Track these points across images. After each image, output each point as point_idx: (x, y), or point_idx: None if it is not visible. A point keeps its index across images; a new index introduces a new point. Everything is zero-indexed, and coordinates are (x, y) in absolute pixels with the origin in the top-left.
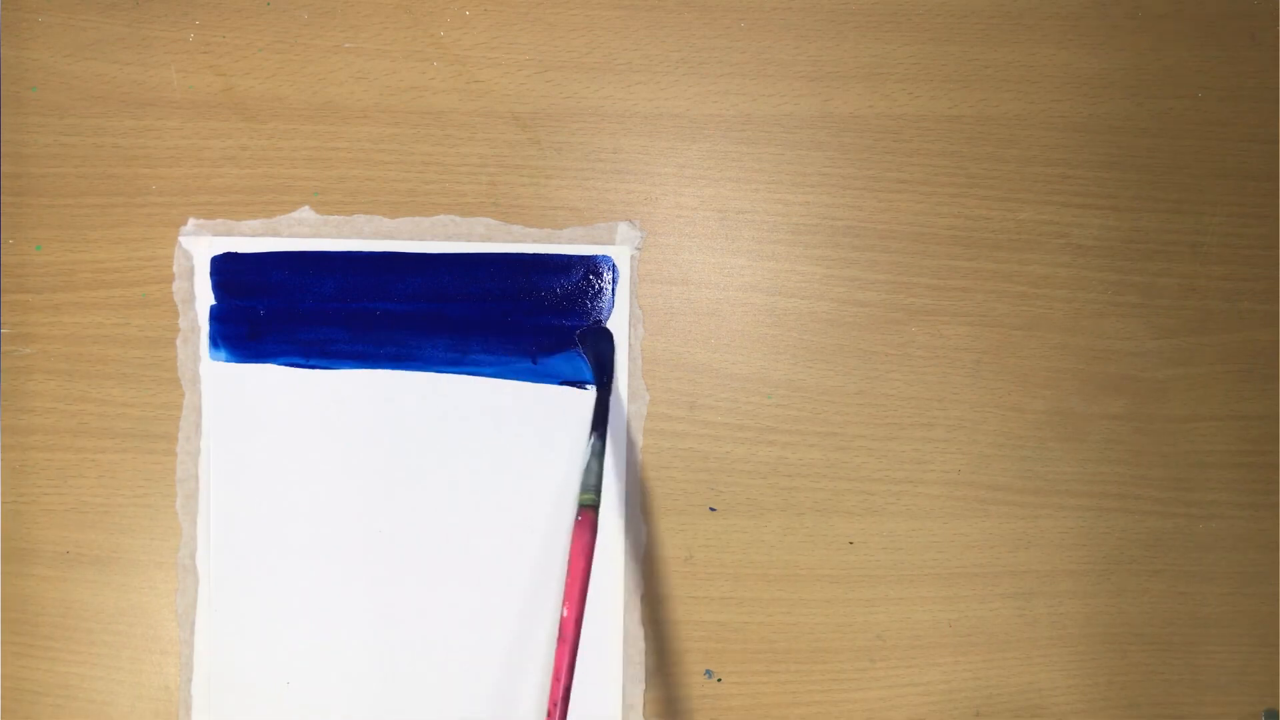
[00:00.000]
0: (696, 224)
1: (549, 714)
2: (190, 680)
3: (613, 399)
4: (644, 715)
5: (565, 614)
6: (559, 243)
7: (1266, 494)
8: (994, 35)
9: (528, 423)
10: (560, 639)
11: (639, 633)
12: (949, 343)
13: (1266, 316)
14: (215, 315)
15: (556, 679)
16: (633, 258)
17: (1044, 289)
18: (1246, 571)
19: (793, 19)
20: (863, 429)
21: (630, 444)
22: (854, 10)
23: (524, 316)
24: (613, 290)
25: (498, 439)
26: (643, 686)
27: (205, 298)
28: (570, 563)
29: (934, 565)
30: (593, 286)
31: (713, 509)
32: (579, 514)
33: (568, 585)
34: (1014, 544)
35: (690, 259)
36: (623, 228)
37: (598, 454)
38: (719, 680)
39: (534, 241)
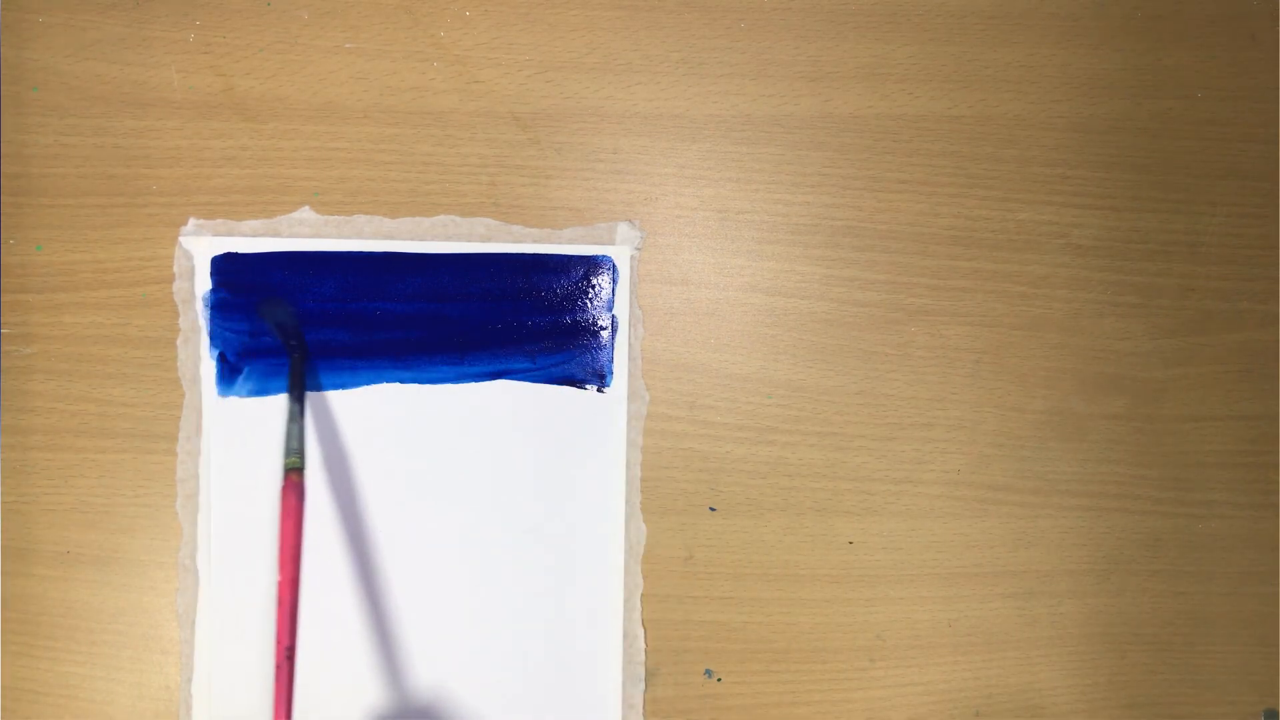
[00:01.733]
0: (696, 224)
1: (275, 678)
2: (190, 680)
3: (304, 365)
4: (644, 715)
5: (280, 578)
6: (559, 243)
7: (1266, 494)
8: (994, 35)
9: (528, 422)
10: (279, 604)
11: (639, 633)
12: (949, 343)
13: (1266, 316)
14: (215, 315)
15: (279, 642)
16: (633, 258)
17: (1044, 289)
18: (1246, 571)
19: (793, 19)
20: (863, 429)
21: (631, 444)
22: (854, 10)
23: (524, 316)
24: (613, 290)
25: (498, 439)
26: (643, 686)
27: (205, 298)
28: (281, 528)
29: (934, 565)
30: (593, 286)
31: (713, 509)
32: (285, 478)
33: (280, 551)
34: (1014, 544)
35: (690, 259)
36: (623, 228)
37: (295, 417)
38: (719, 680)
39: (534, 241)
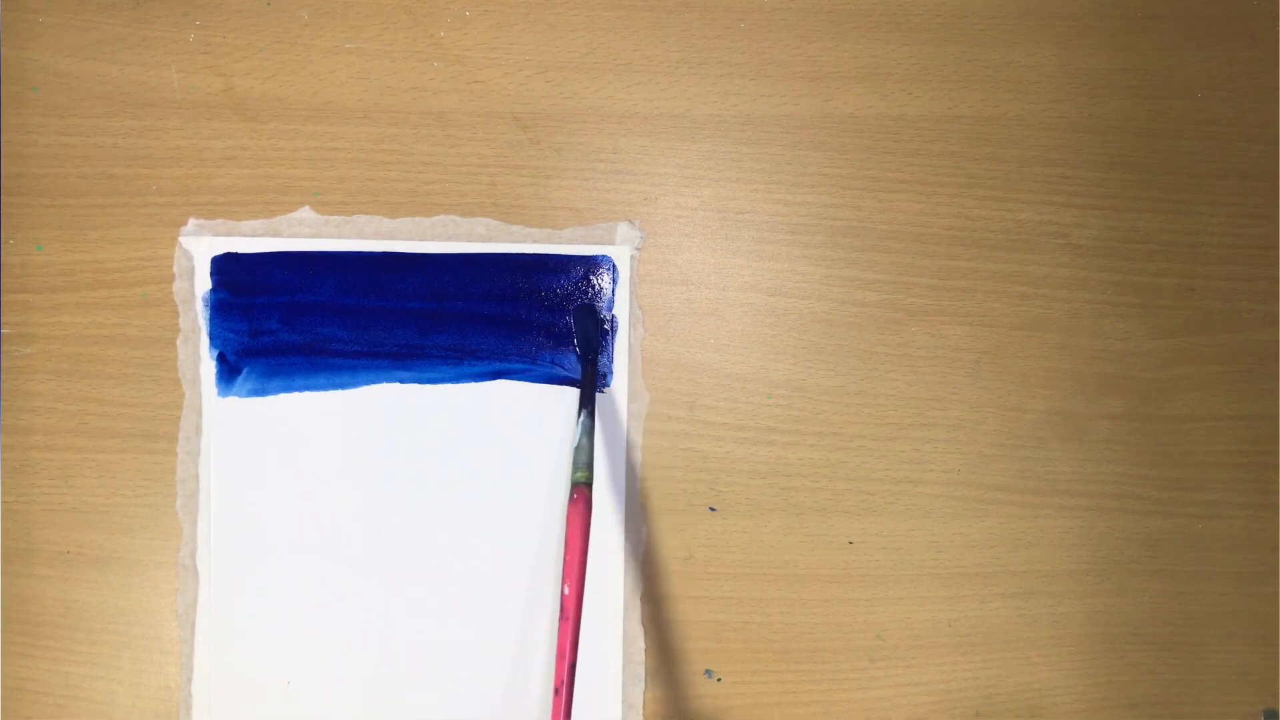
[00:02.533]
0: (696, 224)
1: (555, 692)
2: (190, 680)
3: (608, 390)
4: (644, 715)
5: (566, 592)
6: (559, 243)
7: (1266, 494)
8: (994, 35)
9: (528, 422)
10: (563, 617)
11: (639, 633)
12: (949, 343)
13: (1266, 316)
14: (215, 315)
15: (561, 658)
16: (633, 258)
17: (1043, 289)
18: (1246, 571)
19: (793, 19)
20: (863, 429)
21: (629, 439)
22: (854, 10)
23: (524, 316)
24: (613, 290)
25: (498, 438)
26: (643, 686)
27: (205, 298)
28: (568, 541)
29: (934, 565)
30: (593, 286)
31: (713, 509)
32: (573, 493)
33: (567, 563)
34: (1014, 544)
35: (690, 259)
36: (623, 228)
37: (588, 431)
38: (719, 680)
39: (534, 241)
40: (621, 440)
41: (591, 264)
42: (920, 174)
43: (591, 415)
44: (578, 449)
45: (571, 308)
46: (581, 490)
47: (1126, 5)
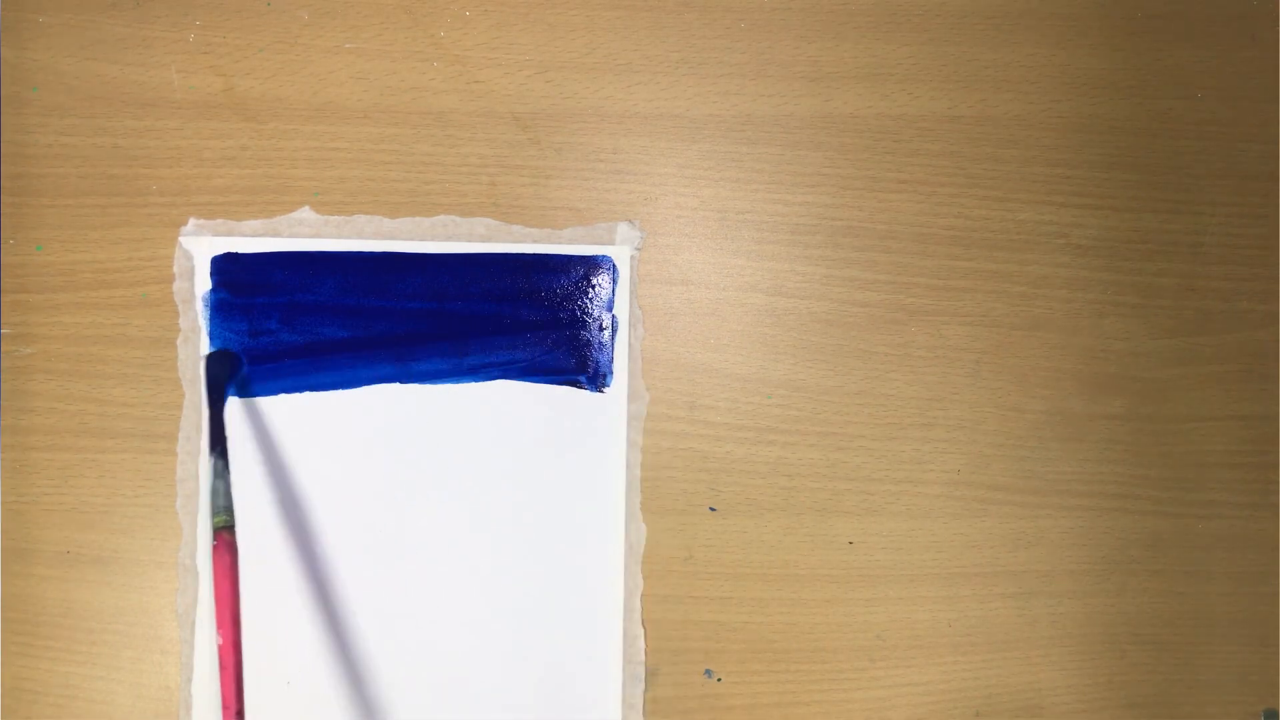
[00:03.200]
0: (696, 224)
1: None
2: (190, 680)
3: (226, 416)
4: (644, 715)
5: (220, 641)
6: (559, 243)
7: (1266, 494)
8: (994, 35)
9: (526, 423)
10: (221, 668)
11: (639, 633)
12: (949, 343)
13: (1266, 316)
14: (215, 315)
15: (226, 708)
16: (633, 258)
17: (1044, 289)
18: (1246, 571)
19: (793, 19)
20: (863, 429)
21: (629, 439)
22: (854, 10)
23: (524, 316)
24: (613, 290)
25: (497, 438)
26: (643, 686)
27: (205, 298)
28: (216, 589)
29: (934, 565)
30: (593, 286)
31: (713, 509)
32: (214, 538)
33: (218, 612)
34: (1014, 544)
35: (690, 259)
36: (623, 228)
37: (220, 474)
38: (719, 680)
39: (534, 241)
40: (621, 440)
41: (591, 264)
42: (920, 174)
43: (224, 456)
44: (213, 493)
45: (204, 354)
46: (222, 535)
47: (1126, 5)
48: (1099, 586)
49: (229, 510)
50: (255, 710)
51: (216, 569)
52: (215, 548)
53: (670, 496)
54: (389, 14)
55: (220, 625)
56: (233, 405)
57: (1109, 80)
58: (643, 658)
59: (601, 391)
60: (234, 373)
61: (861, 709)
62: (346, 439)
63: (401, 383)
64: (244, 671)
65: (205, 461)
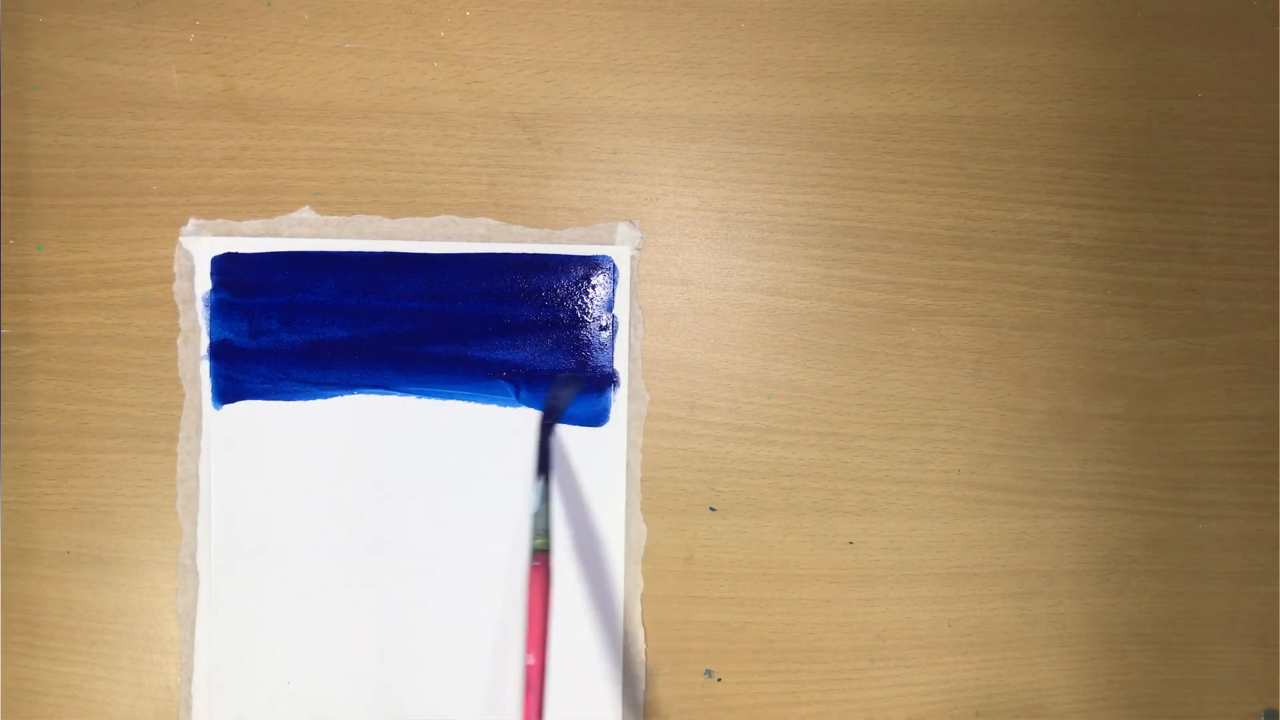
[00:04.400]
0: (696, 224)
1: None
2: (190, 680)
3: (554, 440)
4: (644, 715)
5: (531, 662)
6: (559, 243)
7: (1266, 494)
8: (994, 35)
9: (526, 422)
10: (527, 688)
11: (639, 633)
12: (949, 343)
13: (1266, 316)
14: (215, 315)
15: None
16: (633, 258)
17: (1044, 289)
18: (1246, 571)
19: (793, 19)
20: (863, 429)
21: (629, 439)
22: (854, 10)
23: (524, 316)
24: (613, 290)
25: (497, 438)
26: (643, 686)
27: (205, 298)
28: (529, 610)
29: (934, 565)
30: (593, 286)
31: (713, 509)
32: (533, 559)
33: (529, 633)
34: (1014, 544)
35: (690, 259)
36: (623, 228)
37: (545, 498)
38: (719, 680)
39: (534, 241)
40: (621, 440)
41: (591, 264)
42: (920, 174)
43: (549, 481)
44: (535, 515)
45: (556, 376)
46: (540, 557)
47: (1126, 5)
48: (1099, 586)
49: (548, 533)
50: (256, 710)
51: (532, 590)
52: (534, 569)
53: (670, 496)
54: (389, 14)
55: (531, 646)
56: (232, 405)
57: (1109, 80)
58: (643, 658)
59: (601, 391)
60: (576, 397)
61: (861, 709)
62: (346, 440)
63: (401, 388)
64: (546, 693)
65: (532, 485)
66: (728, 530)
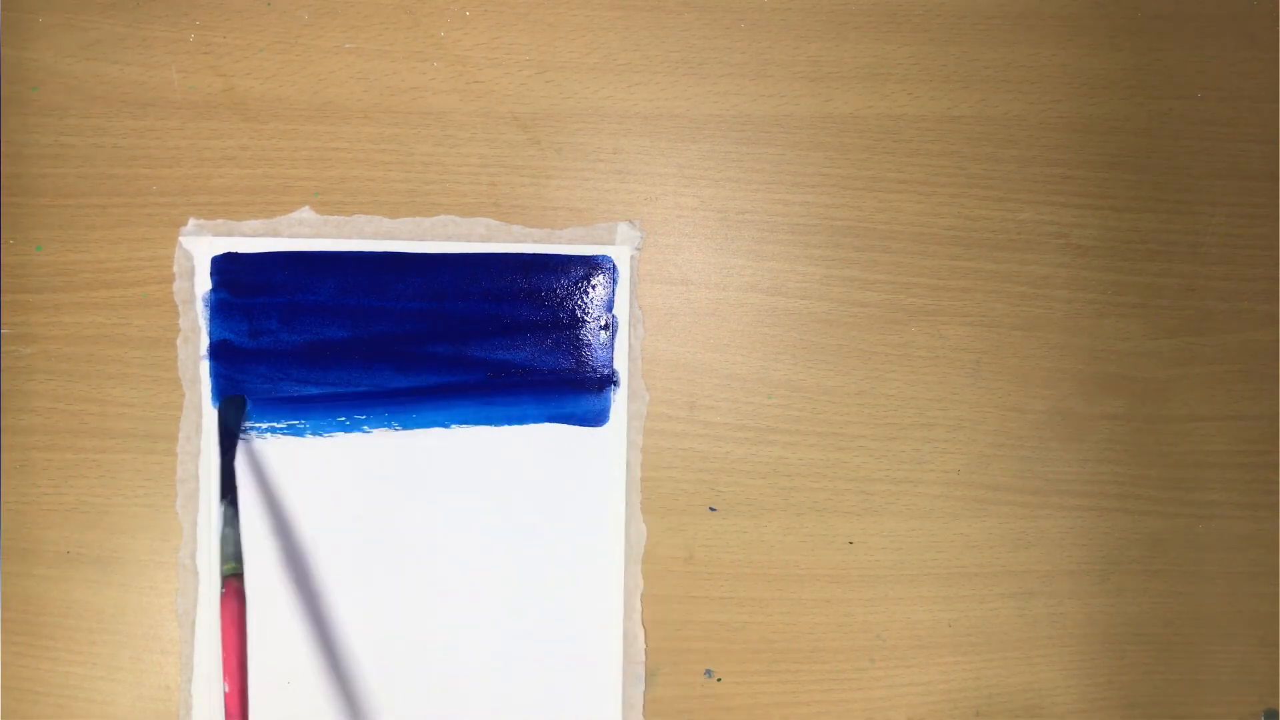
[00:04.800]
0: (696, 224)
1: None
2: (190, 680)
3: (238, 460)
4: (644, 715)
5: (227, 689)
6: (559, 243)
7: (1266, 494)
8: (994, 35)
9: (528, 427)
10: (226, 716)
11: (639, 633)
12: (949, 343)
13: (1266, 316)
14: (215, 315)
15: None
16: (633, 258)
17: (1044, 289)
18: (1246, 571)
19: (793, 19)
20: (863, 429)
21: (629, 439)
22: (854, 10)
23: (524, 316)
24: (613, 290)
25: (496, 438)
26: (643, 686)
27: (205, 298)
28: (223, 636)
29: (934, 565)
30: (593, 286)
31: (713, 509)
32: (223, 585)
33: (224, 660)
34: (1014, 544)
35: (690, 259)
36: (623, 228)
37: (230, 521)
38: (719, 680)
39: (534, 241)
40: (621, 440)
41: (591, 264)
42: (920, 174)
43: (234, 504)
44: (223, 539)
45: (219, 400)
46: (231, 582)
47: (1126, 5)
48: (1099, 586)
49: (238, 558)
50: (256, 710)
51: (224, 616)
52: (224, 595)
53: (670, 496)
54: (389, 14)
55: (227, 673)
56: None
57: (1109, 80)
58: (643, 658)
59: (601, 391)
60: (244, 418)
61: (861, 709)
62: (347, 439)
63: (400, 389)
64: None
65: (215, 508)
66: (728, 530)
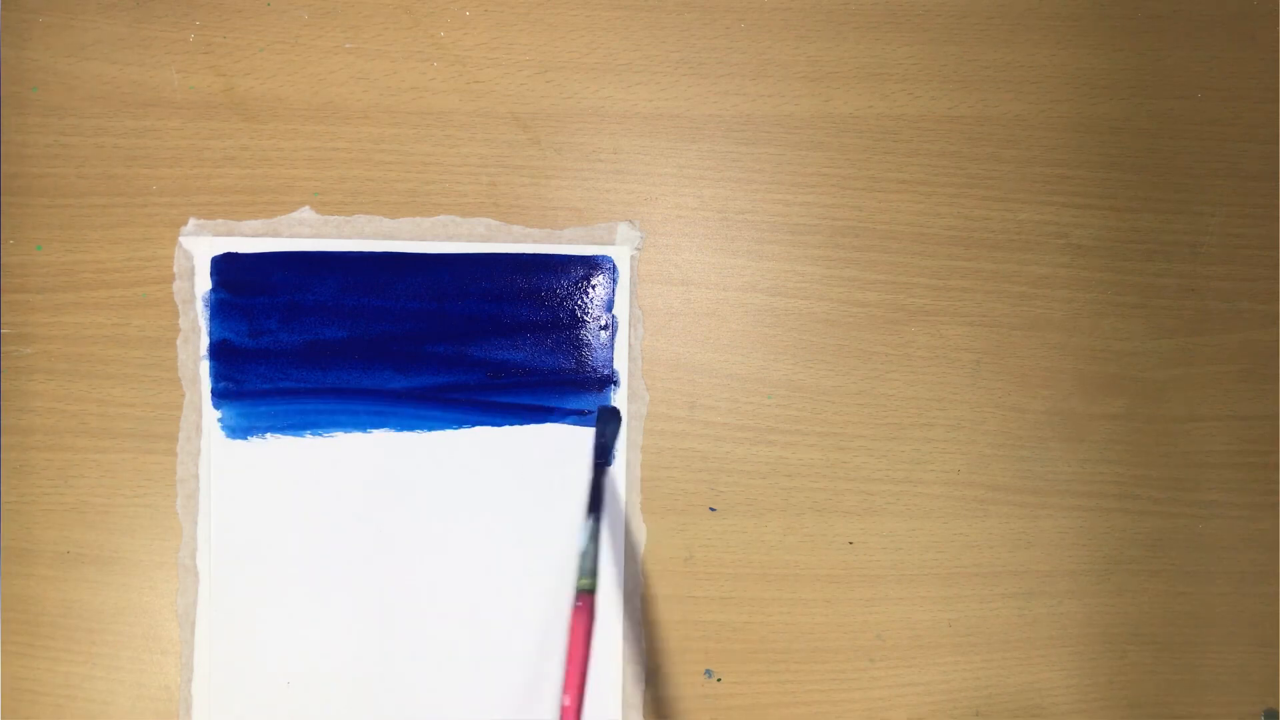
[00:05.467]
0: (696, 224)
1: None
2: (190, 680)
3: (607, 480)
4: (644, 715)
5: (566, 703)
6: (559, 243)
7: (1266, 494)
8: (994, 35)
9: (528, 428)
10: None
11: (639, 633)
12: (949, 343)
13: (1266, 316)
14: (215, 315)
15: None
16: (633, 258)
17: (1044, 289)
18: (1246, 571)
19: (793, 19)
20: (863, 429)
21: (629, 439)
22: (854, 10)
23: (524, 316)
24: (613, 290)
25: (496, 438)
26: (643, 686)
27: (205, 298)
28: (569, 650)
29: (934, 565)
30: (593, 286)
31: (713, 509)
32: (577, 599)
33: (568, 673)
34: (1014, 544)
35: (690, 259)
36: (623, 228)
37: (594, 537)
38: (719, 680)
39: (534, 241)
40: (621, 440)
41: (591, 264)
42: (920, 174)
43: (599, 520)
44: (582, 554)
45: (597, 408)
46: (585, 598)
47: (1126, 5)
48: (1099, 586)
49: (595, 574)
50: (256, 710)
51: (574, 631)
52: (576, 610)
53: (670, 496)
54: (389, 14)
55: (568, 687)
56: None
57: (1109, 80)
58: (643, 658)
59: (601, 391)
60: (618, 432)
61: (861, 709)
62: (347, 440)
63: (399, 391)
64: None
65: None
66: (728, 530)
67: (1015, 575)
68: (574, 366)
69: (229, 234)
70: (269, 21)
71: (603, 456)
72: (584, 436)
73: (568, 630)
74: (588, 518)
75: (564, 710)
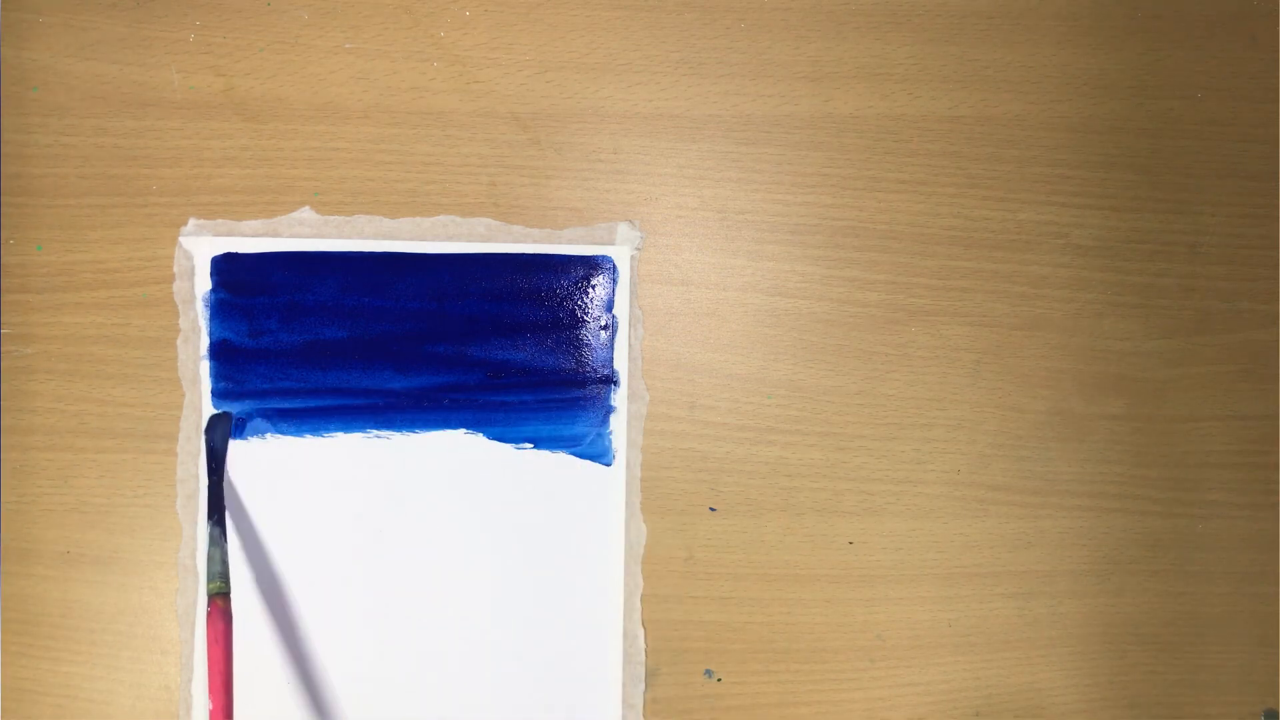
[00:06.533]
0: (696, 224)
1: None
2: (190, 680)
3: (227, 484)
4: (644, 715)
5: (211, 708)
6: (559, 243)
7: (1266, 494)
8: (994, 35)
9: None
10: None
11: (639, 633)
12: (949, 343)
13: (1266, 316)
14: (215, 315)
15: None
16: (633, 258)
17: (1044, 289)
18: (1246, 571)
19: (793, 19)
20: (863, 429)
21: (629, 439)
22: (854, 10)
23: (524, 316)
24: (613, 290)
25: (497, 441)
26: (643, 686)
27: (205, 298)
28: (209, 655)
29: (934, 565)
30: (593, 286)
31: (713, 509)
32: (209, 604)
33: (210, 679)
34: (1014, 544)
35: (690, 259)
36: (623, 228)
37: (217, 541)
38: (719, 680)
39: (534, 242)
40: (621, 440)
41: (591, 264)
42: (920, 174)
43: (221, 524)
44: (209, 559)
45: (208, 416)
46: (216, 602)
47: (1126, 5)
48: (1099, 586)
49: (225, 577)
50: (256, 710)
51: (210, 636)
52: (210, 614)
53: (670, 496)
54: (389, 14)
55: (211, 692)
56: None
57: (1109, 80)
58: (643, 658)
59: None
60: (230, 436)
61: (861, 709)
62: (347, 440)
63: (398, 394)
64: None
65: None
66: (728, 530)
67: (1015, 575)
68: (574, 366)
69: (229, 234)
70: (269, 21)
71: (215, 461)
72: (575, 434)
73: (204, 636)
74: (209, 521)
75: (210, 715)
